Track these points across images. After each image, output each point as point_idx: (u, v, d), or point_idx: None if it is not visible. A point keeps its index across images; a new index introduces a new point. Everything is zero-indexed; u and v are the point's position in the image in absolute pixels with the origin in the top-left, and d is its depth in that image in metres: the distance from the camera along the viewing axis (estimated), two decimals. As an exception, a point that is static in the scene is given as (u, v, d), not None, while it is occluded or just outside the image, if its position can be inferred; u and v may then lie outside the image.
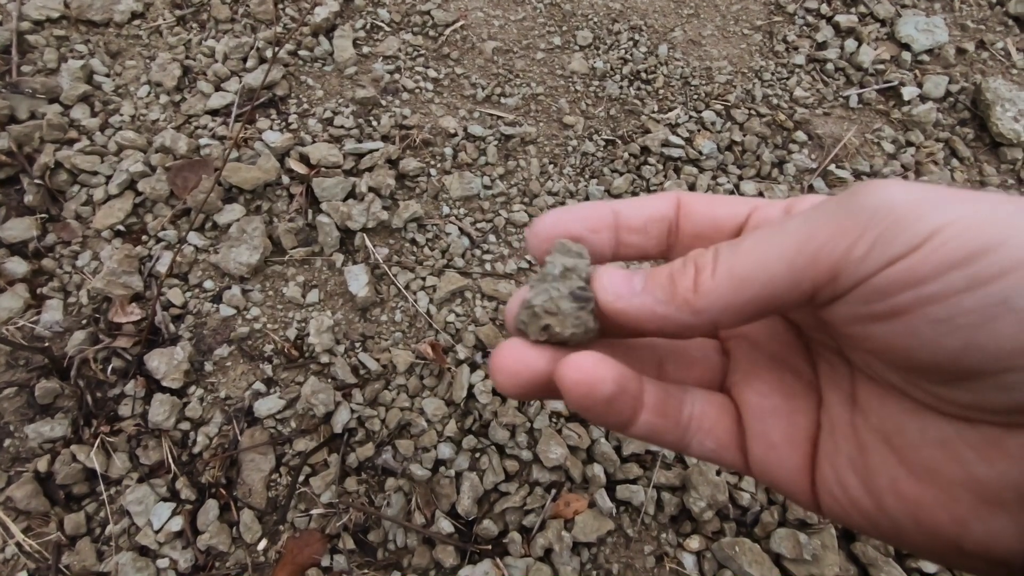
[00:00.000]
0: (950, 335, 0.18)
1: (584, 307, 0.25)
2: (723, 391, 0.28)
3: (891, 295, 0.19)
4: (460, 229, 1.01)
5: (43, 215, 0.99)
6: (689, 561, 0.80)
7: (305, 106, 1.10)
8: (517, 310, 0.26)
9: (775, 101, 1.15)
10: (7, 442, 0.85)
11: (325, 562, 0.80)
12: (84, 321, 0.92)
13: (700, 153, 1.08)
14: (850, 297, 0.20)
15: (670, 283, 0.23)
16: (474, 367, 0.90)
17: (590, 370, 0.23)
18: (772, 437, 0.26)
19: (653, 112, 1.13)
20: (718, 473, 0.83)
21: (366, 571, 0.80)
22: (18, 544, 0.79)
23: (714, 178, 1.08)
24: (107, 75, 1.11)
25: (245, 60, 1.13)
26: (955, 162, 1.12)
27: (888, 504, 0.22)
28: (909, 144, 1.13)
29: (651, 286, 0.23)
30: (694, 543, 0.81)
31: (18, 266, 0.94)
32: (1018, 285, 0.17)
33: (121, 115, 1.07)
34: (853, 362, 0.25)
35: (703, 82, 1.16)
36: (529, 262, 1.00)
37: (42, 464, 0.83)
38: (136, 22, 1.16)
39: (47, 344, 0.90)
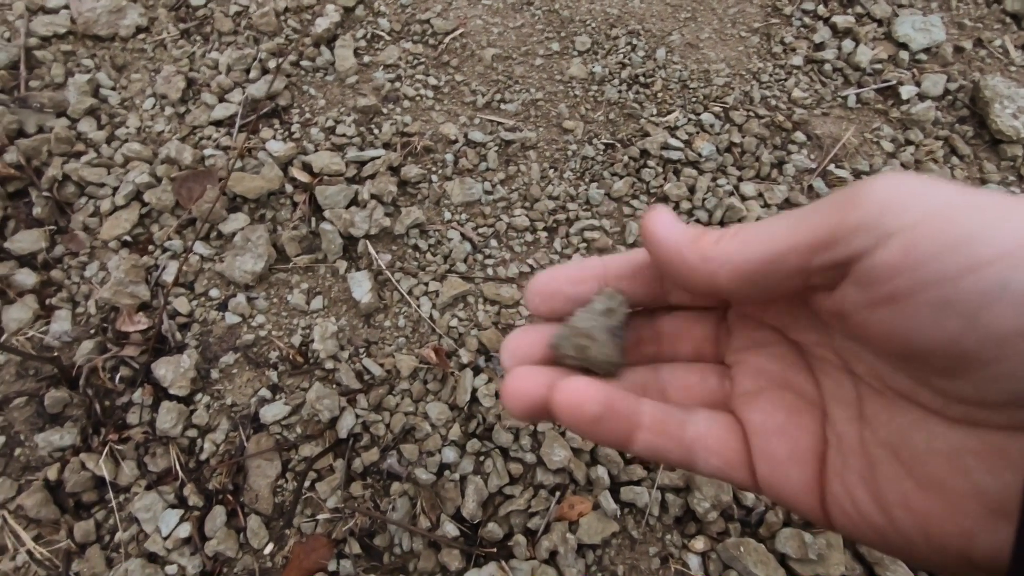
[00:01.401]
0: (949, 319, 0.19)
1: (616, 341, 0.28)
2: (728, 411, 0.29)
3: (890, 279, 0.20)
4: (462, 234, 1.02)
5: (51, 227, 1.01)
6: (694, 562, 0.80)
7: (307, 115, 1.11)
8: (551, 337, 0.29)
9: (773, 102, 1.16)
10: (17, 451, 0.86)
11: (332, 567, 0.80)
12: (92, 331, 0.93)
13: (699, 155, 1.09)
14: (852, 278, 0.21)
15: (701, 235, 0.26)
16: (477, 371, 0.91)
17: (579, 391, 0.25)
18: (777, 455, 0.26)
19: (652, 115, 1.14)
20: (722, 473, 0.83)
21: (372, 575, 0.80)
22: (29, 552, 0.80)
23: (714, 180, 1.08)
24: (113, 88, 1.13)
25: (248, 71, 1.15)
26: (955, 160, 1.12)
27: (898, 518, 0.22)
28: (908, 143, 1.13)
29: (687, 231, 0.26)
30: (699, 544, 0.81)
31: (27, 277, 0.95)
32: (1014, 269, 0.18)
33: (127, 127, 1.09)
34: (858, 374, 0.25)
35: (701, 85, 1.17)
36: (531, 265, 1.01)
37: (52, 472, 0.84)
38: (141, 36, 1.18)
39: (56, 354, 0.91)
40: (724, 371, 0.30)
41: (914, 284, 0.19)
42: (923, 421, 0.22)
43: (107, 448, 0.86)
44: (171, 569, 0.80)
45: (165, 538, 0.81)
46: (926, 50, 1.21)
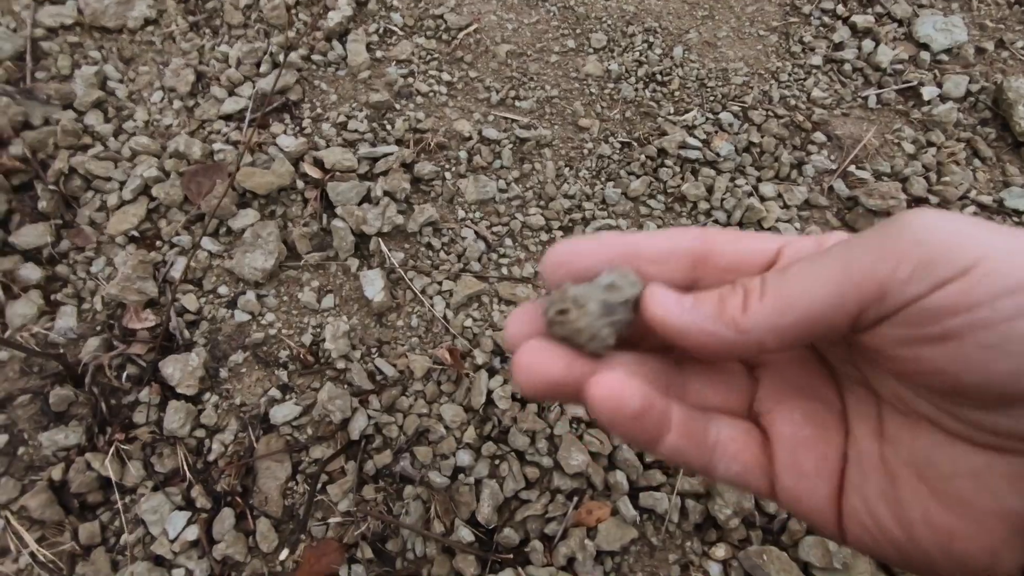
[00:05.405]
0: (1000, 360, 0.19)
1: (609, 318, 0.25)
2: (749, 417, 0.29)
3: (942, 319, 0.20)
4: (476, 233, 1.00)
5: (57, 221, 0.98)
6: (715, 570, 0.78)
7: (319, 110, 1.09)
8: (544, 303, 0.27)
9: (793, 102, 1.14)
10: (21, 450, 0.84)
11: (343, 572, 0.78)
12: (98, 327, 0.91)
13: (718, 155, 1.07)
14: (899, 318, 0.21)
15: (720, 303, 0.24)
16: (492, 372, 0.89)
17: (618, 387, 0.24)
18: (804, 467, 0.26)
19: (669, 114, 1.12)
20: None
21: (385, 581, 0.78)
22: (32, 554, 0.78)
23: (732, 180, 1.06)
24: (121, 81, 1.11)
25: (258, 65, 1.13)
26: (977, 162, 1.10)
27: (919, 535, 0.23)
28: (930, 144, 1.11)
29: (700, 304, 0.24)
30: (720, 551, 0.79)
31: (32, 272, 0.93)
32: None
33: (135, 121, 1.07)
34: (880, 395, 0.25)
35: (719, 84, 1.15)
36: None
37: (56, 472, 0.82)
38: (149, 28, 1.16)
39: (61, 351, 0.89)
40: (749, 373, 0.30)
41: (967, 325, 0.19)
42: (946, 443, 0.23)
43: (113, 448, 0.83)
44: (178, 573, 0.78)
45: (172, 541, 0.79)
46: (947, 51, 1.19)
